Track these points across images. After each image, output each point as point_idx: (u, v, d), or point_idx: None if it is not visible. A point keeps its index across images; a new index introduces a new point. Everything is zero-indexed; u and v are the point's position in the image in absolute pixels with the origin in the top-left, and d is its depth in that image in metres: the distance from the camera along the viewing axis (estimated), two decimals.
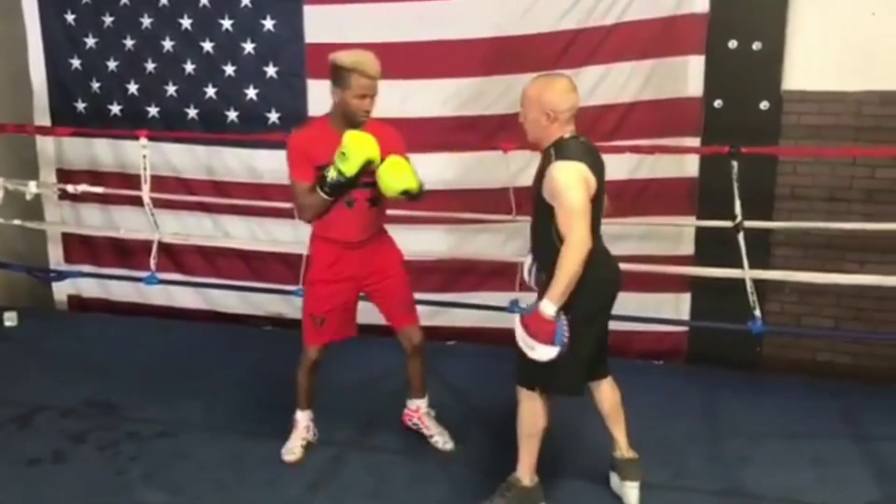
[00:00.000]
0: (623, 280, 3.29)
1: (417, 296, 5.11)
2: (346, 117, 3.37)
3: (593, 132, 4.90)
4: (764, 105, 4.64)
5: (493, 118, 5.04)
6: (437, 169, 5.10)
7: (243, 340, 5.38)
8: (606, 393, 3.37)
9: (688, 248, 4.93)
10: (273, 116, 5.43)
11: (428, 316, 5.26)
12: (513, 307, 4.67)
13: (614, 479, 3.45)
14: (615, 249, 4.93)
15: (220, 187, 5.61)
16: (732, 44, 4.64)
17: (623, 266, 4.80)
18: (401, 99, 5.12)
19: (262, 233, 5.61)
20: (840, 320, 4.81)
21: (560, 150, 3.03)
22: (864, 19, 4.51)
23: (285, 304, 5.61)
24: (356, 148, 3.21)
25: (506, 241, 5.05)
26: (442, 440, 3.85)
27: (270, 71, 5.39)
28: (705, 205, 4.78)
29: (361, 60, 3.31)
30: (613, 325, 4.70)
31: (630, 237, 4.96)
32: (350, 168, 3.21)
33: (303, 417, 3.83)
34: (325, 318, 3.62)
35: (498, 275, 4.93)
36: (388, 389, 4.42)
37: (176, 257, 5.72)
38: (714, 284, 4.72)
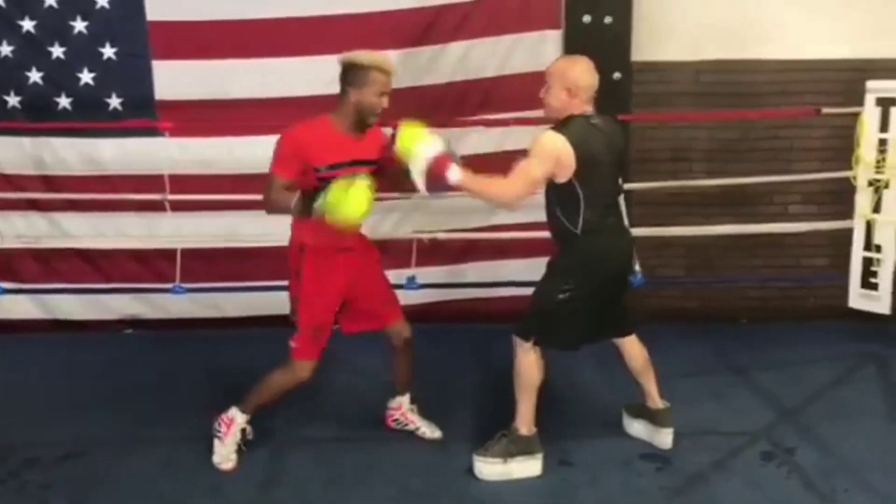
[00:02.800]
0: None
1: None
2: (359, 117, 3.28)
3: (461, 107, 5.08)
4: (616, 76, 4.99)
5: None
6: None
7: (106, 347, 4.96)
8: (635, 351, 3.63)
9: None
10: (115, 102, 4.99)
11: None
12: (409, 283, 4.70)
13: (637, 426, 3.73)
14: (493, 220, 5.22)
15: (52, 182, 5.07)
16: (586, 18, 4.94)
17: (510, 234, 5.14)
18: (261, 78, 4.93)
19: (108, 228, 5.14)
20: (690, 269, 5.34)
21: (561, 124, 3.22)
22: None
23: (142, 305, 5.22)
24: (350, 208, 3.02)
25: (402, 218, 5.05)
26: (430, 430, 3.78)
27: (108, 52, 4.94)
28: None
29: (379, 57, 3.26)
30: (508, 291, 5.01)
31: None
32: (333, 218, 3.05)
33: (242, 420, 3.56)
34: (323, 330, 3.45)
35: (394, 252, 4.92)
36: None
37: (7, 263, 5.10)
38: None
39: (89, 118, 4.93)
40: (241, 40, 4.94)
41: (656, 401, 3.68)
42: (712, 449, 3.63)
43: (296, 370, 3.44)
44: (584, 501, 3.29)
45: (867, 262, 4.58)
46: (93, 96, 4.96)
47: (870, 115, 4.43)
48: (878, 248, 4.52)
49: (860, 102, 4.69)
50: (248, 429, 3.60)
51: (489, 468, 3.41)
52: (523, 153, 4.89)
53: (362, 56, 3.24)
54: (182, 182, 4.91)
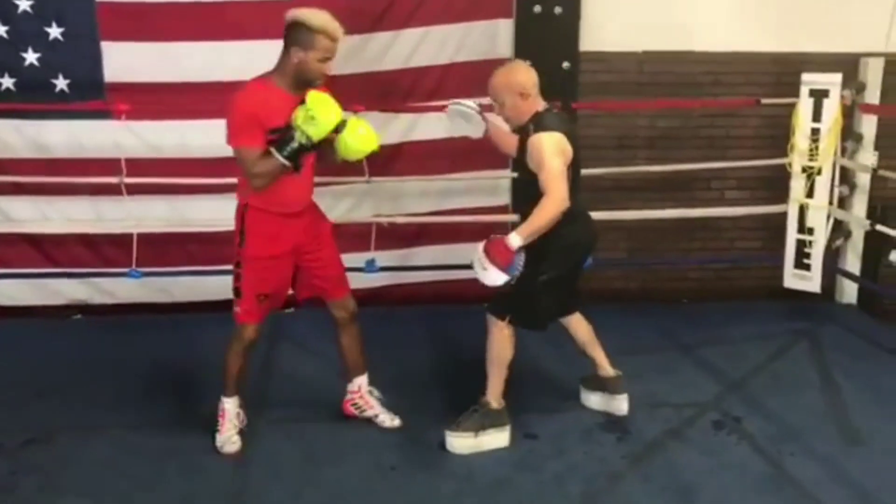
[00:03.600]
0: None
1: None
2: (301, 80, 3.19)
3: (414, 93, 5.17)
4: (566, 65, 5.16)
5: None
6: None
7: (56, 333, 4.88)
8: (581, 324, 3.80)
9: (504, 198, 5.35)
10: (61, 83, 4.87)
11: None
12: (369, 266, 4.76)
13: (594, 398, 3.90)
14: (444, 204, 5.33)
15: None
16: (537, 9, 5.08)
17: (450, 219, 5.25)
18: (216, 61, 4.90)
19: (54, 213, 5.04)
20: (631, 252, 5.56)
21: (538, 123, 3.37)
22: None
23: (91, 289, 5.14)
24: (325, 110, 3.08)
25: (358, 202, 5.09)
26: (389, 418, 3.72)
27: (54, 32, 4.82)
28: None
29: (328, 21, 3.14)
30: (443, 275, 5.11)
31: (454, 192, 5.30)
32: (319, 132, 3.09)
33: (232, 404, 3.55)
34: (268, 295, 3.42)
35: (352, 236, 4.96)
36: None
37: None
38: None
39: (34, 100, 4.81)
40: (194, 22, 4.89)
41: (607, 369, 3.86)
42: (666, 419, 3.84)
43: (242, 333, 3.44)
44: (553, 470, 3.43)
45: (800, 245, 4.86)
46: (38, 77, 4.83)
47: (804, 105, 4.70)
48: (811, 231, 4.81)
49: (790, 94, 4.98)
50: (241, 412, 3.59)
51: (461, 441, 3.53)
52: (477, 141, 5.09)
53: (311, 17, 3.12)
54: (131, 166, 4.84)
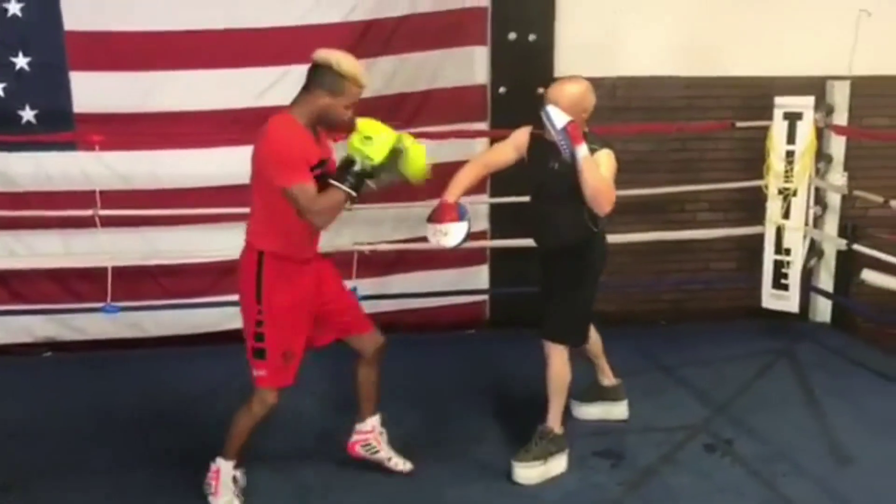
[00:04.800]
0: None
1: (223, 298, 5.01)
2: (323, 122, 3.07)
3: (393, 120, 5.10)
4: (540, 91, 5.15)
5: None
6: (235, 163, 4.85)
7: (28, 372, 4.73)
8: (595, 335, 3.92)
9: (483, 224, 5.34)
10: (28, 114, 4.75)
11: (225, 319, 5.13)
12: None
13: (593, 409, 4.02)
14: (419, 231, 5.30)
15: None
16: (512, 36, 5.12)
17: (428, 246, 5.22)
18: (190, 90, 4.84)
19: (21, 248, 4.89)
20: (608, 274, 5.55)
21: (600, 141, 3.44)
22: (611, 16, 5.26)
23: (60, 326, 4.98)
24: (379, 130, 2.98)
25: (338, 230, 5.01)
26: (401, 461, 3.54)
27: (21, 62, 4.70)
28: (495, 183, 5.22)
29: (357, 67, 3.03)
30: (420, 303, 5.06)
31: None
32: (379, 151, 2.95)
33: (228, 468, 3.27)
34: (295, 353, 3.16)
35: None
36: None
37: None
38: (507, 254, 5.24)
39: (1, 131, 4.69)
40: (165, 52, 4.82)
41: (611, 377, 4.01)
42: (658, 444, 3.83)
43: (265, 399, 3.16)
44: (550, 499, 3.41)
45: (777, 265, 4.93)
46: (4, 108, 4.70)
47: (778, 128, 4.79)
48: (788, 252, 4.88)
49: (760, 117, 5.08)
50: (239, 475, 3.32)
51: (532, 471, 3.51)
52: (456, 165, 5.07)
53: (343, 61, 2.98)
54: (101, 197, 4.74)
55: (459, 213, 3.35)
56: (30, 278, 4.91)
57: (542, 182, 3.52)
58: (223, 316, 5.08)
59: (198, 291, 5.08)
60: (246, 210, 4.82)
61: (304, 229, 3.08)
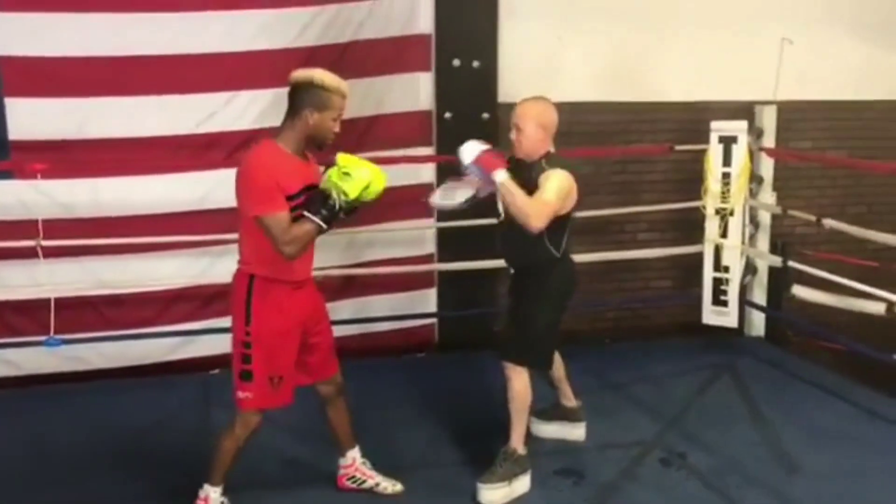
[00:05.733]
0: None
1: (169, 328, 4.92)
2: (314, 141, 3.07)
3: (340, 146, 5.07)
4: (485, 116, 5.28)
5: (236, 134, 4.91)
6: (180, 190, 4.86)
7: None
8: (558, 360, 3.99)
9: (430, 248, 5.39)
10: None
11: (171, 349, 5.04)
12: None
13: (551, 427, 4.09)
14: (366, 255, 5.31)
15: None
16: (456, 62, 5.20)
17: (376, 270, 5.24)
18: (130, 117, 4.76)
19: None
20: None
21: (553, 161, 3.49)
22: (553, 42, 5.41)
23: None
24: (358, 166, 2.98)
25: None
26: (390, 484, 3.57)
27: None
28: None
29: (338, 80, 3.07)
30: (370, 328, 5.05)
31: (378, 243, 5.29)
32: (355, 189, 2.95)
33: (217, 494, 3.23)
34: (283, 377, 3.13)
35: None
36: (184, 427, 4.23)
37: None
38: (455, 278, 5.30)
39: None
40: (104, 77, 4.73)
41: (572, 399, 4.09)
42: (616, 461, 3.92)
43: (248, 421, 3.15)
44: None
45: (716, 283, 5.12)
46: None
47: (714, 151, 4.99)
48: (726, 269, 5.08)
49: (694, 140, 5.29)
50: (226, 500, 3.27)
51: (497, 492, 3.52)
52: (400, 190, 5.09)
53: (325, 77, 3.03)
54: (37, 227, 4.60)
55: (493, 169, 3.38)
56: None
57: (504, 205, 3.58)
58: (169, 346, 5.00)
59: (142, 322, 4.96)
60: (191, 238, 4.89)
61: None
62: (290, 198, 2.99)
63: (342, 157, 3.05)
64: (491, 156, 3.37)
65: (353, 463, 3.57)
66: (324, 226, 3.00)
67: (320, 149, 3.14)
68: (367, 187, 3.01)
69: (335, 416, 3.48)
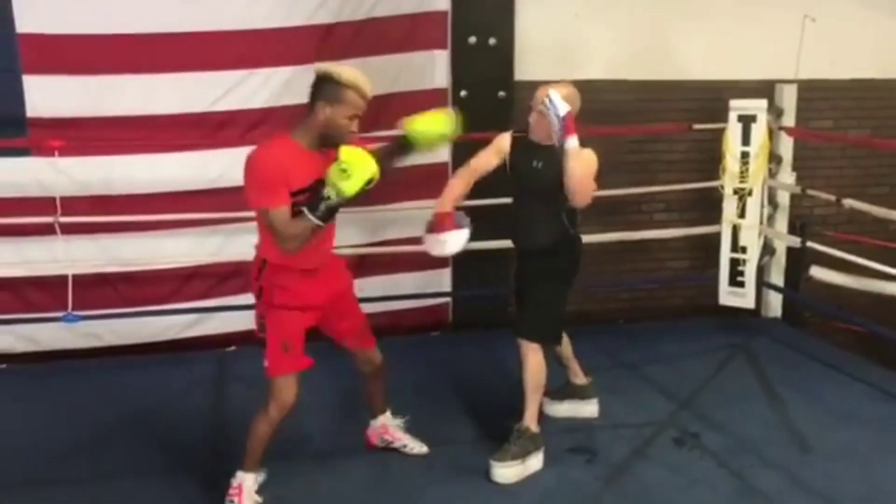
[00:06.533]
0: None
1: (183, 305, 4.95)
2: (326, 137, 3.03)
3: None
4: (501, 94, 5.25)
5: (251, 112, 4.92)
6: (192, 169, 4.87)
7: None
8: (565, 340, 3.99)
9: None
10: None
11: (187, 326, 5.07)
12: None
13: (564, 406, 4.09)
14: (381, 235, 5.31)
15: None
16: (472, 39, 5.17)
17: (391, 249, 5.23)
18: (147, 94, 4.77)
19: None
20: None
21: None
22: (571, 20, 5.36)
23: (12, 337, 4.84)
24: (360, 164, 2.92)
25: None
26: (417, 445, 3.71)
27: None
28: None
29: (358, 76, 3.02)
30: (385, 306, 5.05)
31: (393, 222, 5.28)
32: (352, 187, 2.91)
33: (251, 481, 3.25)
34: (289, 345, 3.19)
35: None
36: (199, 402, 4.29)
37: None
38: (469, 257, 5.28)
39: None
40: (121, 55, 4.74)
41: (582, 377, 4.10)
42: (629, 439, 3.91)
43: (279, 392, 3.15)
44: (529, 497, 3.45)
45: (733, 263, 5.08)
46: None
47: (733, 130, 4.94)
48: (744, 250, 5.04)
49: (713, 119, 5.24)
50: (259, 486, 3.30)
51: (511, 470, 3.53)
52: (415, 169, 5.08)
53: (342, 71, 3.00)
54: (54, 204, 4.64)
55: (455, 221, 3.43)
56: None
57: (524, 182, 3.60)
58: (185, 323, 5.03)
59: (158, 299, 5.00)
60: (207, 215, 4.91)
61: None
62: (298, 192, 2.99)
63: (345, 152, 2.97)
64: (572, 119, 3.37)
65: (384, 425, 3.73)
66: (320, 224, 2.98)
67: (334, 146, 3.04)
68: (369, 182, 2.96)
69: (371, 387, 3.66)
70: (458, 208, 3.58)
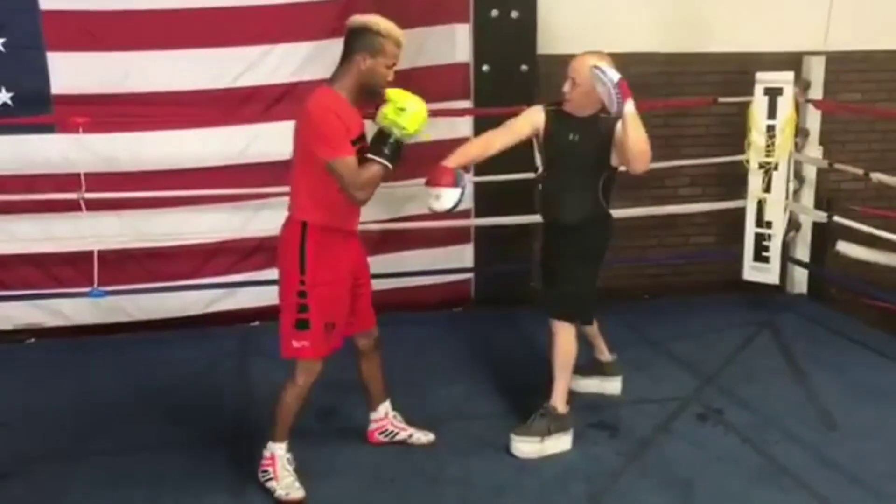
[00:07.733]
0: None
1: (208, 280, 4.98)
2: (366, 87, 3.03)
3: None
4: (524, 68, 5.20)
5: (273, 88, 4.91)
6: (216, 144, 4.89)
7: (13, 360, 4.67)
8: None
9: (467, 203, 5.34)
10: (4, 96, 4.66)
11: (211, 301, 5.10)
12: None
13: (590, 382, 4.07)
14: (403, 210, 5.30)
15: None
16: (494, 13, 5.12)
17: (412, 225, 5.23)
18: (170, 71, 4.78)
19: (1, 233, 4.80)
20: None
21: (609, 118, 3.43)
22: None
23: (41, 312, 4.90)
24: (412, 100, 2.95)
25: None
26: (423, 434, 3.62)
27: None
28: (479, 162, 5.22)
29: (393, 27, 3.03)
30: (408, 282, 5.09)
31: (414, 198, 5.25)
32: (413, 121, 2.93)
33: (283, 450, 3.23)
34: (336, 324, 3.14)
35: None
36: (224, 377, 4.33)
37: None
38: (492, 233, 5.28)
39: None
40: (144, 31, 4.75)
41: (607, 353, 4.09)
42: (652, 415, 3.90)
43: (310, 369, 3.14)
44: (552, 472, 3.45)
45: (758, 238, 5.03)
46: None
47: (759, 103, 4.86)
48: (769, 225, 4.98)
49: (739, 92, 5.16)
50: (291, 457, 3.27)
51: (528, 446, 3.53)
52: (440, 144, 5.05)
53: (379, 22, 3.00)
54: (79, 180, 4.66)
55: (455, 179, 3.34)
56: (8, 263, 4.81)
57: (560, 156, 3.55)
58: (210, 299, 5.07)
59: (182, 274, 5.03)
60: (231, 191, 4.93)
61: (349, 201, 3.05)
62: (352, 142, 2.99)
63: (393, 92, 3.01)
64: (626, 84, 3.31)
65: (386, 416, 3.60)
66: (389, 165, 2.98)
67: (373, 98, 3.06)
68: (423, 120, 2.98)
69: (368, 370, 3.50)
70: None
